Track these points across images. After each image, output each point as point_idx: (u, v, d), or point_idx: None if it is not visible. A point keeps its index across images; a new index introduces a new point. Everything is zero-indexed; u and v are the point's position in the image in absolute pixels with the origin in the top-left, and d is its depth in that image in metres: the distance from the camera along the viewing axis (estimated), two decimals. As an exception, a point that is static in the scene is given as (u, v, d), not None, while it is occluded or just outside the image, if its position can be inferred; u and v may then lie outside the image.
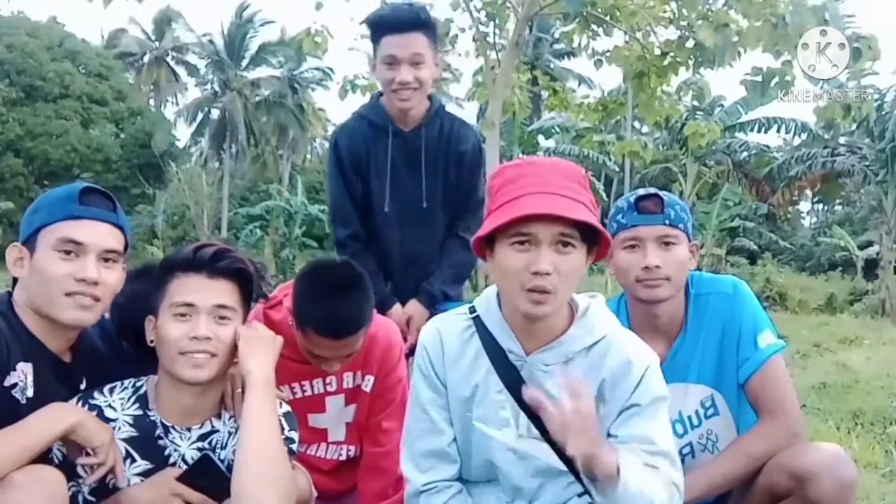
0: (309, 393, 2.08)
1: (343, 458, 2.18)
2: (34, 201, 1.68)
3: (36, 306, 1.60)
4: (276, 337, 1.70)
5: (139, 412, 1.63)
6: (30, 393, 1.56)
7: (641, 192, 1.90)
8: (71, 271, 1.56)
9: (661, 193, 1.88)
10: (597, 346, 1.52)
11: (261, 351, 1.62)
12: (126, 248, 1.70)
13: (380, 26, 2.41)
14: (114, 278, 1.63)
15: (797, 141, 21.09)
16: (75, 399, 1.62)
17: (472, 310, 1.60)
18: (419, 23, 2.37)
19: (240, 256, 1.65)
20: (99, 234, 1.61)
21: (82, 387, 1.70)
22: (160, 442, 1.62)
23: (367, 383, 2.11)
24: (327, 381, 2.08)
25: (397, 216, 2.50)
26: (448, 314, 1.66)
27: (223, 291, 1.61)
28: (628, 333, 1.58)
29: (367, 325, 1.92)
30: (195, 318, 1.58)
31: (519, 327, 1.51)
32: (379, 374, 2.10)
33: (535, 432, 1.54)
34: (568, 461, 1.53)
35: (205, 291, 1.59)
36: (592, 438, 1.33)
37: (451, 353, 1.58)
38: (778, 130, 19.15)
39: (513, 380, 1.53)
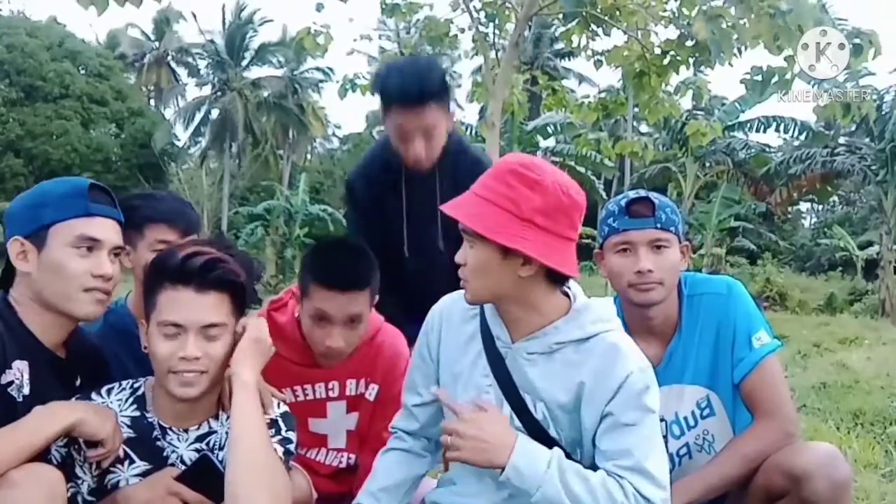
0: (311, 397, 2.07)
1: (343, 465, 2.17)
2: (32, 195, 1.68)
3: (47, 301, 1.61)
4: (270, 346, 1.67)
5: (137, 413, 1.63)
6: (26, 391, 1.56)
7: (632, 194, 1.88)
8: (88, 268, 1.60)
9: (652, 196, 1.87)
10: (587, 344, 1.52)
11: (255, 355, 1.60)
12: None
13: (389, 98, 2.25)
14: (119, 273, 1.68)
15: (797, 142, 21.06)
16: (73, 399, 1.61)
17: None
18: (429, 95, 2.20)
19: (230, 267, 1.60)
20: (109, 230, 1.65)
21: (77, 382, 1.71)
22: (158, 443, 1.62)
23: (371, 392, 2.10)
24: (329, 386, 2.07)
25: (416, 260, 2.43)
26: (458, 293, 1.66)
27: (212, 307, 1.57)
28: (626, 339, 1.56)
29: (371, 289, 1.93)
30: (183, 336, 1.55)
31: (504, 316, 1.56)
32: (384, 383, 2.09)
33: (518, 423, 1.55)
34: None
35: (193, 309, 1.55)
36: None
37: (448, 330, 1.65)
38: (777, 129, 19.14)
39: (498, 366, 1.56)
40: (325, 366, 2.05)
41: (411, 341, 2.28)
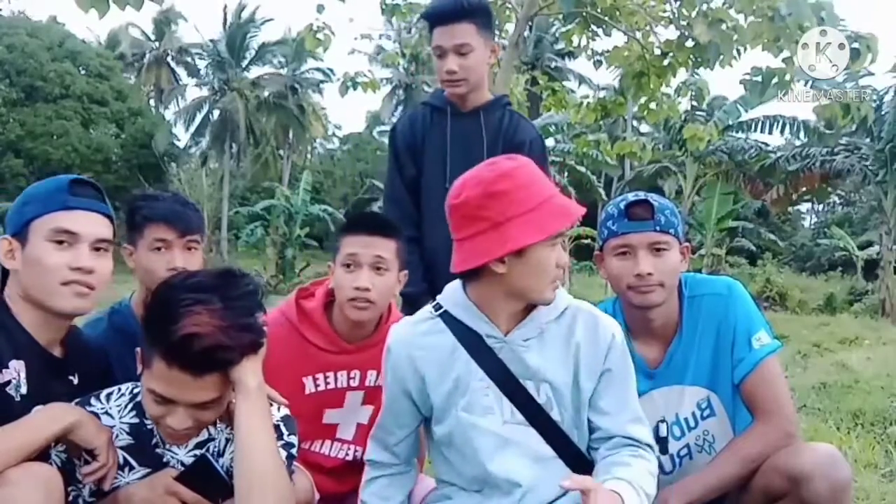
0: (332, 386, 2.09)
1: (349, 458, 2.17)
2: (21, 195, 1.68)
3: (31, 297, 1.60)
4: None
5: (136, 420, 1.62)
6: (24, 390, 1.56)
7: (631, 197, 1.88)
8: (66, 261, 1.58)
9: (651, 198, 1.87)
10: (564, 317, 1.62)
11: (255, 358, 1.54)
12: (114, 237, 1.71)
13: (430, 19, 2.51)
14: (107, 267, 1.65)
15: (798, 141, 21.03)
16: (73, 404, 1.61)
17: (438, 307, 1.65)
18: (463, 12, 2.42)
19: (231, 353, 1.47)
20: (91, 223, 1.63)
21: (74, 381, 1.71)
22: (157, 450, 1.62)
23: None
24: (351, 374, 2.09)
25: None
26: (407, 321, 1.70)
27: (208, 387, 1.49)
28: (587, 304, 1.69)
29: (397, 245, 2.03)
30: (174, 407, 1.50)
31: (496, 311, 1.58)
32: None
33: (520, 417, 1.58)
34: (555, 445, 1.59)
35: (187, 390, 1.47)
36: None
37: (421, 357, 1.63)
38: (782, 131, 19.12)
39: (492, 364, 1.58)
40: (350, 346, 2.07)
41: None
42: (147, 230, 2.00)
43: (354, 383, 2.10)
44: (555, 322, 1.61)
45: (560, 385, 1.59)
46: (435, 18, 2.47)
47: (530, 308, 1.59)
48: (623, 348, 1.64)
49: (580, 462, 1.61)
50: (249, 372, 1.51)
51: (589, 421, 1.63)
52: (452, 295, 1.64)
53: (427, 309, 1.67)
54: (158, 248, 2.00)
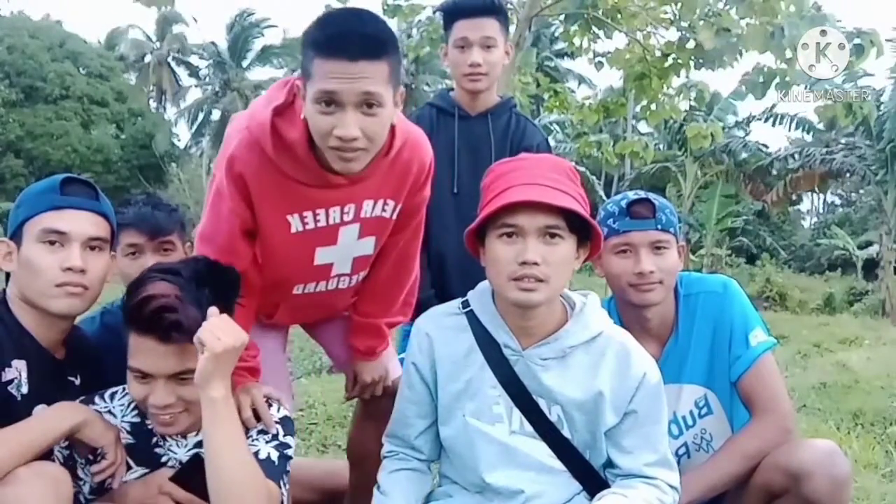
0: (322, 223, 1.76)
1: (344, 287, 1.97)
2: (19, 196, 1.69)
3: (27, 299, 1.61)
4: (242, 345, 1.50)
5: (137, 419, 1.63)
6: (24, 390, 1.57)
7: (632, 195, 1.88)
8: (57, 262, 1.58)
9: (652, 197, 1.87)
10: (595, 343, 1.55)
11: (220, 367, 1.46)
12: (113, 235, 1.70)
13: (453, 11, 2.48)
14: (100, 265, 1.64)
15: (800, 139, 21.07)
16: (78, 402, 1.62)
17: (465, 304, 1.62)
18: (492, 8, 2.43)
19: (179, 307, 1.46)
20: (81, 222, 1.61)
21: (77, 382, 1.71)
22: (157, 450, 1.62)
23: (395, 212, 1.86)
24: (345, 209, 1.77)
25: (460, 200, 2.46)
26: (438, 309, 1.68)
27: (178, 355, 1.48)
28: (625, 333, 1.61)
29: (390, 65, 1.50)
30: (154, 383, 1.50)
31: (513, 322, 1.54)
32: (407, 196, 1.85)
33: (529, 429, 1.56)
34: (565, 459, 1.56)
35: (158, 359, 1.48)
36: None
37: (441, 349, 1.60)
38: (777, 124, 19.14)
39: (506, 375, 1.54)
40: (341, 180, 1.68)
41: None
42: (121, 236, 2.00)
43: (349, 217, 1.78)
44: (582, 347, 1.54)
45: (572, 410, 1.54)
46: (462, 11, 2.44)
47: (558, 326, 1.55)
48: (655, 389, 1.56)
49: (590, 477, 1.58)
50: (212, 383, 1.44)
51: (609, 457, 1.58)
52: (481, 296, 1.61)
53: (456, 303, 1.65)
54: (133, 254, 2.02)
